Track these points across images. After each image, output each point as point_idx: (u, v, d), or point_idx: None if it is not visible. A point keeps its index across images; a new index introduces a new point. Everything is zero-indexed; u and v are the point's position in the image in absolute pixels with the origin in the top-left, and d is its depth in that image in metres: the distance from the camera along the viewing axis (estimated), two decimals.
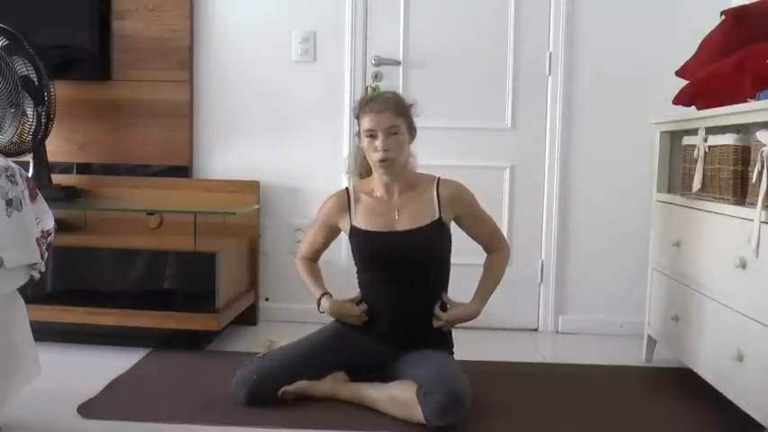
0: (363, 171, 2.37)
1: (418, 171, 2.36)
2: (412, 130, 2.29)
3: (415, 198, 2.28)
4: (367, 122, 2.21)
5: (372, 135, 2.20)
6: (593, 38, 3.12)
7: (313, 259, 2.42)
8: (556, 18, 3.13)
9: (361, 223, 2.28)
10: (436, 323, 2.23)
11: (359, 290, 2.34)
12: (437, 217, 2.25)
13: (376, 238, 2.26)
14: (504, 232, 3.15)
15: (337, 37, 3.20)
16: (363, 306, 2.26)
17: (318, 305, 2.31)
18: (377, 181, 2.30)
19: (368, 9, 3.19)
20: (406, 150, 2.26)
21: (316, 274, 2.38)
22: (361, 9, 3.17)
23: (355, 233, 2.28)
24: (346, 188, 2.38)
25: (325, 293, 2.31)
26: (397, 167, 2.24)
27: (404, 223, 2.25)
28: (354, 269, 2.36)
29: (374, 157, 2.21)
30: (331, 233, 2.38)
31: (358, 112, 2.27)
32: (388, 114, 2.20)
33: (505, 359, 2.74)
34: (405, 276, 2.23)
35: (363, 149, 2.27)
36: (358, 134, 2.30)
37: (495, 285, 2.33)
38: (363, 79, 3.19)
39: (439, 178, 2.31)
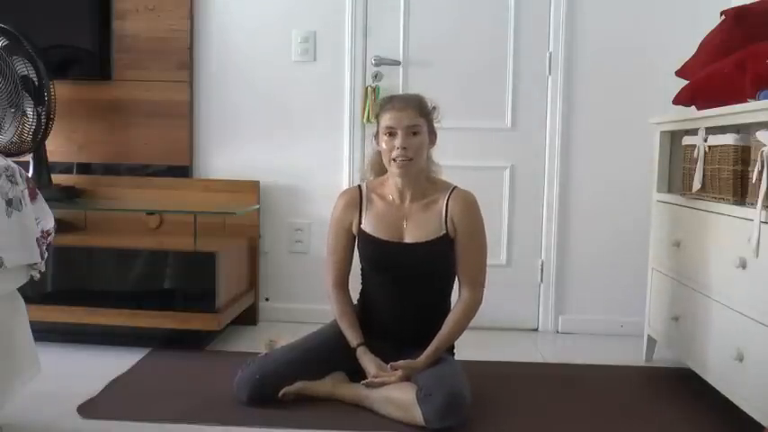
0: (377, 173, 2.33)
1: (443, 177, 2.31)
2: (432, 135, 2.23)
3: (425, 208, 2.22)
4: (387, 119, 2.15)
5: (392, 133, 2.15)
6: (594, 38, 3.12)
7: (343, 284, 2.31)
8: (556, 18, 3.13)
9: (369, 227, 2.25)
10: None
11: (361, 285, 2.34)
12: (443, 232, 2.20)
13: (381, 246, 2.22)
14: (505, 232, 3.19)
15: (337, 37, 3.20)
16: (389, 377, 2.11)
17: (355, 352, 2.21)
18: (391, 183, 2.25)
19: (368, 9, 3.18)
20: (425, 154, 2.20)
21: (348, 318, 2.25)
22: (361, 9, 3.17)
23: (362, 236, 2.26)
24: (359, 186, 2.34)
25: (361, 344, 2.20)
26: (413, 170, 2.18)
27: (411, 234, 2.21)
28: (360, 267, 2.35)
29: (392, 156, 2.15)
30: (350, 238, 2.29)
31: (378, 111, 2.23)
32: (410, 113, 2.15)
33: (505, 359, 2.74)
34: (406, 284, 2.22)
35: (380, 151, 2.21)
36: (376, 135, 2.25)
37: (448, 345, 2.21)
38: (363, 79, 3.19)
39: (454, 189, 2.24)
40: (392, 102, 2.20)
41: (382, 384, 2.10)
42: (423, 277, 2.23)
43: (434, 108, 2.24)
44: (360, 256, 2.31)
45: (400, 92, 2.99)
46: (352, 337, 2.23)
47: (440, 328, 2.20)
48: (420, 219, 2.22)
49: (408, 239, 2.22)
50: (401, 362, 2.11)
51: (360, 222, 2.27)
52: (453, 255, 2.23)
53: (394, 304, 2.25)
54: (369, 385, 2.12)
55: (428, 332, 2.19)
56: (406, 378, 2.10)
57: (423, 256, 2.20)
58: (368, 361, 2.17)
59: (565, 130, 3.15)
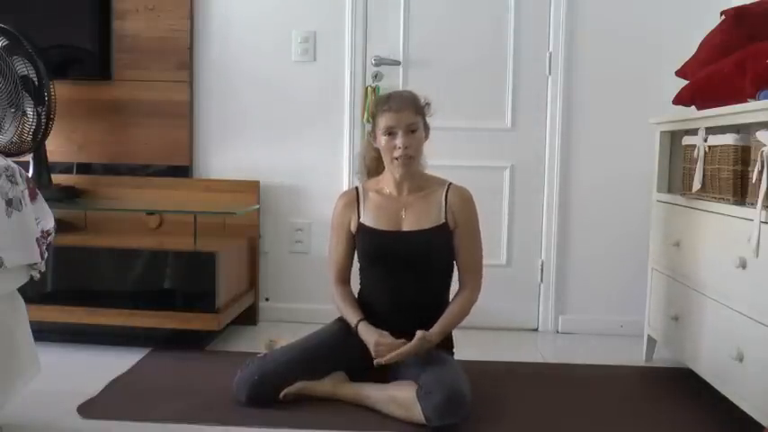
0: (372, 171, 2.39)
1: (428, 171, 2.36)
2: (427, 130, 2.30)
3: (423, 198, 2.28)
4: (386, 120, 2.21)
5: (392, 133, 2.21)
6: (594, 38, 3.12)
7: (344, 280, 2.35)
8: (556, 18, 3.13)
9: (368, 220, 2.29)
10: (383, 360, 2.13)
11: (360, 285, 2.36)
12: (442, 221, 2.25)
13: (380, 236, 2.26)
14: (504, 232, 3.19)
15: (337, 37, 3.20)
16: (397, 341, 2.15)
17: (355, 329, 2.23)
18: (388, 179, 2.30)
19: (368, 9, 3.18)
20: (422, 149, 2.28)
21: (350, 301, 2.30)
22: (361, 9, 3.17)
23: (362, 230, 2.29)
24: (356, 187, 2.39)
25: (361, 320, 2.22)
26: (414, 165, 2.25)
27: (409, 223, 2.26)
28: (358, 265, 2.36)
29: (394, 155, 2.21)
30: (350, 238, 2.33)
31: (374, 112, 2.29)
32: (408, 113, 2.21)
33: (505, 359, 2.74)
34: (406, 275, 2.24)
35: (380, 149, 2.26)
36: (371, 134, 2.32)
37: (455, 325, 2.25)
38: (363, 79, 3.19)
39: (451, 183, 2.31)
40: (389, 102, 2.23)
41: (390, 359, 2.09)
42: (420, 267, 2.24)
43: (428, 104, 2.30)
44: (358, 251, 2.33)
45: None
46: (353, 315, 2.25)
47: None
48: (418, 208, 2.27)
49: (406, 228, 2.25)
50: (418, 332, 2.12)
51: (359, 218, 2.30)
52: (451, 245, 2.27)
53: (392, 299, 2.25)
54: (378, 364, 2.12)
55: (427, 328, 2.19)
56: (413, 351, 2.10)
57: (420, 244, 2.23)
58: (369, 334, 2.17)
59: (565, 130, 3.15)
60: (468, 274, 2.29)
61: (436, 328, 2.18)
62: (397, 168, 2.23)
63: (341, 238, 2.34)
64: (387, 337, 2.15)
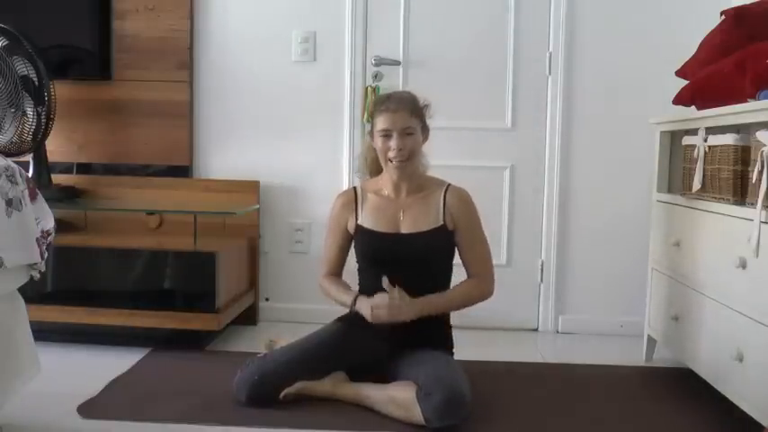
0: (373, 170, 2.39)
1: (429, 173, 2.36)
2: (426, 131, 2.29)
3: (421, 200, 2.28)
4: (382, 122, 2.21)
5: (387, 135, 2.21)
6: (593, 38, 3.12)
7: (336, 275, 2.37)
8: (556, 18, 3.13)
9: (367, 222, 2.29)
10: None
11: (358, 286, 2.36)
12: (441, 223, 2.25)
13: (379, 238, 2.26)
14: (504, 232, 3.19)
15: (337, 37, 3.20)
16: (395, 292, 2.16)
17: (353, 306, 2.24)
18: (386, 180, 2.31)
19: (368, 9, 3.18)
20: (419, 151, 2.27)
21: (341, 285, 2.33)
22: (361, 9, 3.17)
23: (360, 231, 2.29)
24: (354, 187, 2.39)
25: (357, 296, 2.25)
26: (410, 167, 2.25)
27: (407, 225, 2.26)
28: (356, 266, 2.37)
29: (388, 156, 2.21)
30: (345, 238, 2.34)
31: (372, 111, 2.29)
32: (404, 114, 2.20)
33: (505, 359, 2.74)
34: (405, 277, 2.22)
35: (376, 149, 2.27)
36: (370, 133, 2.32)
37: (452, 302, 2.25)
38: (363, 79, 3.19)
39: (449, 185, 2.31)
40: (386, 103, 2.23)
41: (387, 318, 2.12)
42: (419, 269, 2.24)
43: (426, 106, 2.29)
44: (357, 253, 2.34)
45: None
46: (347, 295, 2.26)
47: (438, 326, 2.25)
48: (417, 210, 2.27)
49: (405, 230, 2.25)
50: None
51: (357, 219, 2.30)
52: (449, 247, 2.28)
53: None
54: (375, 318, 2.14)
55: (426, 329, 2.21)
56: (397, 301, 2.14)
57: (419, 247, 2.23)
58: (366, 306, 2.18)
59: (565, 130, 3.15)
60: (476, 267, 2.29)
61: (423, 299, 2.18)
62: (393, 170, 2.24)
63: (336, 238, 2.35)
64: (383, 299, 2.15)
